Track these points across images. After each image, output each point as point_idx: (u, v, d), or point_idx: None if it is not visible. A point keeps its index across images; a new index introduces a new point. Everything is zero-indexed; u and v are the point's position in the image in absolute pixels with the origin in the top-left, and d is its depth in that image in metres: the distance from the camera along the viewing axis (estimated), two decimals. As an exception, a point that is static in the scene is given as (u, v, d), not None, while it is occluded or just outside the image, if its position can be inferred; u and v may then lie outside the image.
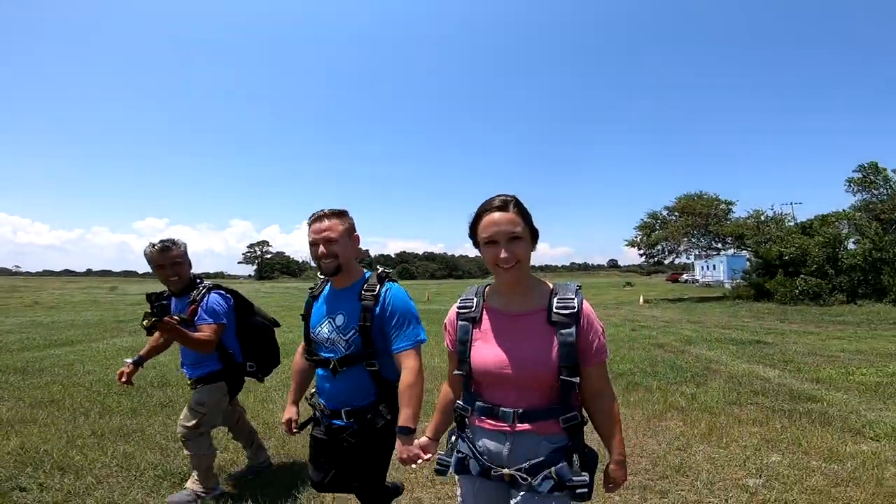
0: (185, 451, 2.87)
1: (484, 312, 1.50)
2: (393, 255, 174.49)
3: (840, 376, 5.85)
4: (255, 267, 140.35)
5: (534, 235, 1.46)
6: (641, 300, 24.00)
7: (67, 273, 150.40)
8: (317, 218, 1.97)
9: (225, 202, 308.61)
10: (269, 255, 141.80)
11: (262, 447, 3.39)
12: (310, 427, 2.13)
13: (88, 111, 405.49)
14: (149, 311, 2.41)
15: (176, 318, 2.47)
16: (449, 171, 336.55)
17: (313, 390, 2.14)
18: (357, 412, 1.94)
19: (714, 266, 46.59)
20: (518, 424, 1.42)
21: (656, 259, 30.00)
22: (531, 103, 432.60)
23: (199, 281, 2.92)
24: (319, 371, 2.03)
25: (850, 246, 20.91)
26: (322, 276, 2.07)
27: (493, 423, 1.45)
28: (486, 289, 1.56)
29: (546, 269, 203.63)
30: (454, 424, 1.61)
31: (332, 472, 2.05)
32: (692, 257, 35.66)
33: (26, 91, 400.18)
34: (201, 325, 2.66)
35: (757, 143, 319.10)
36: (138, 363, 2.97)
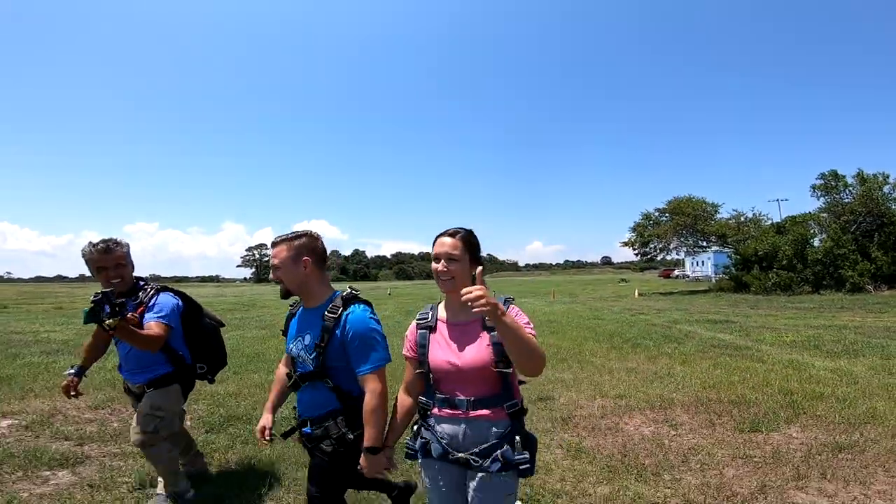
0: (148, 460, 2.81)
1: (438, 322, 1.81)
2: (389, 256, 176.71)
3: (772, 338, 8.79)
4: (252, 270, 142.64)
5: (476, 261, 1.76)
6: (636, 293, 26.95)
7: (60, 279, 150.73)
8: (272, 243, 2.05)
9: (217, 205, 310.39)
10: (266, 259, 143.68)
11: (199, 454, 3.32)
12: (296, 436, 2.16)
13: (76, 114, 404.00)
14: (109, 309, 2.17)
15: (136, 316, 2.44)
16: (442, 172, 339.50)
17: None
18: (318, 421, 2.02)
19: (702, 262, 49.88)
20: (471, 411, 1.69)
21: (649, 256, 33.07)
22: (523, 105, 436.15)
23: (142, 283, 2.81)
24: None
25: (816, 243, 24.06)
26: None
27: (451, 411, 1.72)
28: (440, 304, 1.87)
29: (540, 266, 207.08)
30: (417, 416, 1.87)
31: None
32: (682, 254, 38.78)
33: (12, 94, 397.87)
34: (150, 323, 2.53)
35: (747, 141, 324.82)
36: (80, 373, 2.88)
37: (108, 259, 2.61)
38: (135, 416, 2.73)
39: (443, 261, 1.73)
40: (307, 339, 2.01)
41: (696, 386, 5.46)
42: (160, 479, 2.86)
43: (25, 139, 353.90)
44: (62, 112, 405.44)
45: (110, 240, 2.63)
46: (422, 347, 1.79)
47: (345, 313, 1.96)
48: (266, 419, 2.18)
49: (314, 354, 1.97)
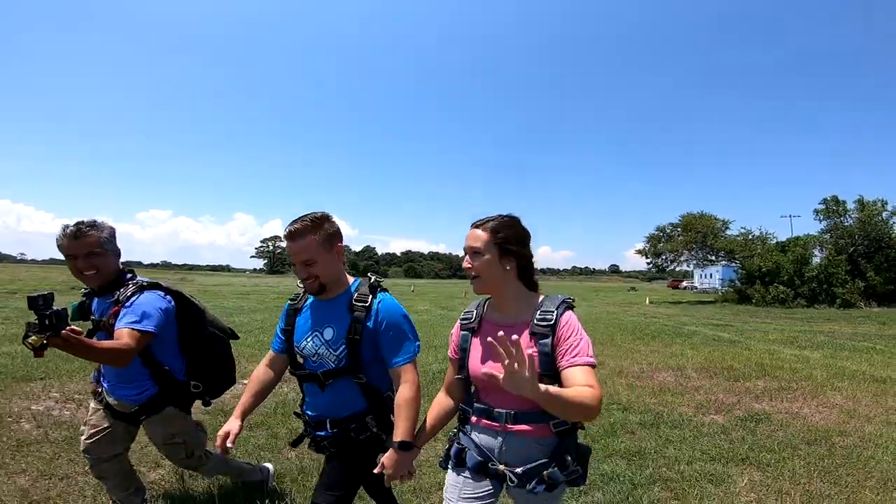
0: (206, 479, 2.63)
1: (482, 323, 1.67)
2: (398, 254, 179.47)
3: (760, 336, 11.43)
4: (265, 261, 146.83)
5: (508, 253, 1.57)
6: (647, 301, 29.45)
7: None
8: (288, 234, 1.77)
9: (229, 195, 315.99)
10: (280, 251, 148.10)
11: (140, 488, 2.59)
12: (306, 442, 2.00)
13: (93, 101, 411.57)
14: (35, 321, 1.59)
15: (77, 328, 1.76)
16: (451, 174, 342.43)
17: (300, 403, 2.04)
18: (341, 422, 1.86)
19: (710, 275, 52.18)
20: (510, 425, 1.56)
21: (661, 266, 35.61)
22: (536, 109, 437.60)
23: (128, 276, 2.31)
24: (307, 385, 1.94)
25: (816, 262, 26.47)
26: (299, 284, 1.93)
27: (488, 422, 1.61)
28: (487, 302, 1.72)
29: (548, 272, 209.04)
30: (457, 422, 1.76)
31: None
32: (691, 266, 41.24)
33: (29, 80, 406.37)
34: (120, 331, 2.03)
35: (762, 154, 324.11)
36: (98, 379, 2.42)
37: (77, 246, 2.15)
38: (159, 448, 2.49)
39: (468, 256, 1.59)
40: (328, 333, 1.84)
41: (701, 360, 8.10)
42: (238, 479, 2.86)
43: (44, 125, 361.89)
44: (79, 99, 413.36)
45: (83, 222, 2.18)
46: (463, 351, 1.69)
47: (375, 301, 1.85)
48: (233, 424, 1.89)
49: (340, 350, 1.82)
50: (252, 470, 2.91)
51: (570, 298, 1.62)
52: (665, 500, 3.13)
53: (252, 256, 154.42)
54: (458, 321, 1.76)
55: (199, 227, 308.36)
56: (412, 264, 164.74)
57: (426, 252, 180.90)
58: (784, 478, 3.46)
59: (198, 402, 2.58)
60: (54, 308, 1.63)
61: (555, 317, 1.54)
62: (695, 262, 35.08)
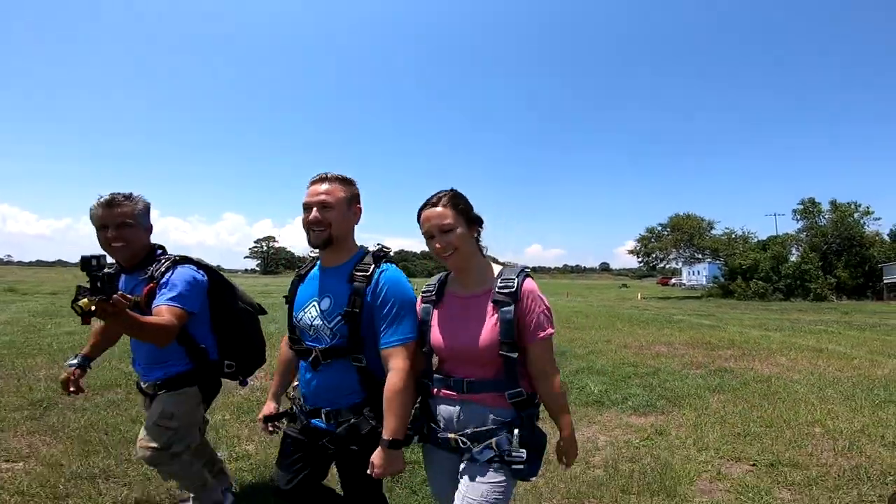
0: (165, 478, 2.32)
1: (443, 296, 1.69)
2: (392, 253, 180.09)
3: (735, 321, 13.78)
4: (258, 262, 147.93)
5: (473, 222, 1.61)
6: (639, 296, 31.84)
7: (61, 264, 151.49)
8: (317, 179, 1.74)
9: (217, 195, 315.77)
10: (273, 251, 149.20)
11: (223, 472, 2.68)
12: (283, 423, 1.90)
13: (75, 100, 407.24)
14: (86, 285, 1.52)
15: (130, 297, 1.73)
16: (443, 171, 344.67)
17: (296, 383, 1.93)
18: (337, 414, 1.73)
19: (698, 272, 54.97)
20: (466, 394, 1.59)
21: (652, 265, 38.17)
22: (527, 108, 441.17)
23: (159, 252, 2.25)
24: (301, 362, 1.82)
25: (793, 259, 29.08)
26: (311, 252, 1.84)
27: (447, 392, 1.63)
28: (448, 276, 1.74)
29: (540, 270, 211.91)
30: (419, 397, 1.74)
31: (300, 476, 1.80)
32: (680, 264, 43.92)
33: (13, 80, 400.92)
34: (159, 307, 1.96)
35: (748, 153, 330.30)
36: (84, 364, 2.33)
37: (110, 215, 2.07)
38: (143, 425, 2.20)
39: (436, 237, 1.57)
40: (325, 303, 1.73)
41: (686, 338, 10.36)
42: (189, 495, 2.46)
43: (27, 125, 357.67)
44: (62, 98, 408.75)
45: (119, 193, 2.11)
46: (424, 324, 1.68)
47: (378, 271, 1.71)
48: (270, 406, 1.93)
49: (337, 323, 1.69)
50: (211, 492, 2.42)
51: (527, 268, 1.62)
52: (668, 406, 5.28)
53: (246, 257, 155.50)
54: (420, 294, 1.75)
55: (188, 228, 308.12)
56: (406, 263, 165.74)
57: (418, 251, 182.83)
58: (738, 397, 5.66)
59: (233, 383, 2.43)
60: (107, 271, 1.51)
61: (516, 284, 1.54)
62: (682, 260, 37.67)
